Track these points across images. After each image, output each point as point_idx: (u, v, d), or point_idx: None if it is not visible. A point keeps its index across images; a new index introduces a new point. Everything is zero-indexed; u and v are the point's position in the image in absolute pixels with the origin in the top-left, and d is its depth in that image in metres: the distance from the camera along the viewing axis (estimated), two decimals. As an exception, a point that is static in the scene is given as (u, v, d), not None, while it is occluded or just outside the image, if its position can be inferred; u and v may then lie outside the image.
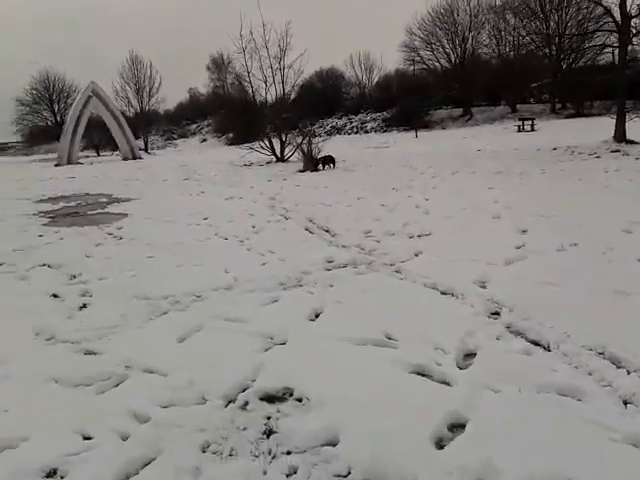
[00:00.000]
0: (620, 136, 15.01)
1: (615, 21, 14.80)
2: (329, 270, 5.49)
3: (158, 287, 5.18)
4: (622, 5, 14.45)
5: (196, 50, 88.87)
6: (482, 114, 44.19)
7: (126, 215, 10.13)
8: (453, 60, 47.71)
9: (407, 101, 42.29)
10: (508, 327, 3.60)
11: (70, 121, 30.65)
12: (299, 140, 20.18)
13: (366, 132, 47.47)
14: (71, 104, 44.02)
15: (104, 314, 4.56)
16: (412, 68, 49.06)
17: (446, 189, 9.99)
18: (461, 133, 34.49)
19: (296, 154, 20.16)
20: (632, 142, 14.59)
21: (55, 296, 5.26)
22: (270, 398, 3.04)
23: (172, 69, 70.18)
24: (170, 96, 52.59)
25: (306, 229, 7.61)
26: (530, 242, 5.59)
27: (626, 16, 14.46)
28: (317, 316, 4.22)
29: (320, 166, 16.35)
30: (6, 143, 79.83)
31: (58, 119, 46.45)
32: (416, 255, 5.67)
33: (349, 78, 57.84)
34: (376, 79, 57.33)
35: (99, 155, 41.80)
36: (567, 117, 37.34)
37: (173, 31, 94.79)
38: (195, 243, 7.29)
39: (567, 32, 37.43)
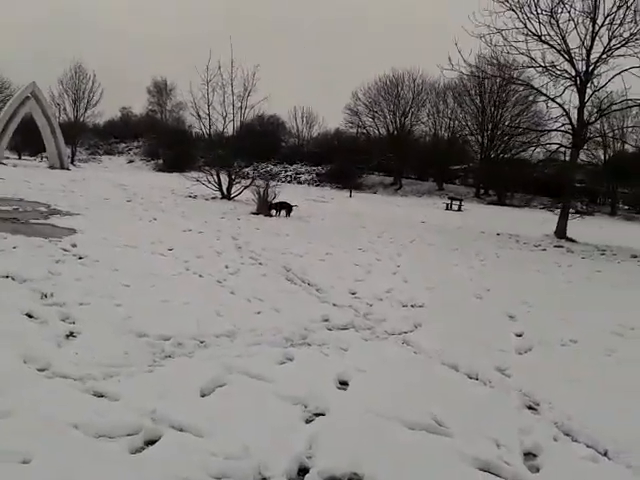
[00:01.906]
0: (561, 232, 16.01)
1: (572, 123, 15.99)
2: (330, 330, 5.24)
3: (153, 324, 4.71)
4: (580, 110, 15.73)
5: (134, 69, 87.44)
6: (411, 186, 46.12)
7: (75, 231, 9.37)
8: (391, 130, 49.79)
9: (343, 161, 43.38)
10: (556, 426, 3.51)
11: (2, 118, 28.62)
12: (248, 180, 20.08)
13: (299, 183, 47.96)
14: (1, 100, 41.40)
15: (101, 348, 4.04)
16: (352, 130, 50.75)
17: (412, 258, 10.08)
18: (393, 201, 35.62)
19: (243, 194, 19.92)
20: (572, 240, 15.56)
21: (30, 316, 4.64)
22: (337, 483, 2.73)
23: (107, 84, 67.77)
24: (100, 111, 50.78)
25: (287, 279, 7.33)
26: (527, 332, 5.62)
27: (583, 122, 15.74)
28: (343, 383, 3.96)
29: (273, 211, 16.15)
30: None
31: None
32: (416, 327, 5.54)
33: (289, 128, 58.86)
34: (315, 134, 58.75)
35: (20, 158, 39.24)
36: (489, 203, 39.68)
37: (117, 46, 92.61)
38: (169, 276, 6.80)
39: (501, 124, 40.33)
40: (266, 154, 51.61)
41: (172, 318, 4.98)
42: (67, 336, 4.30)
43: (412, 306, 6.38)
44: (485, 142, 44.46)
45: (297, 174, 50.65)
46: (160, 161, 50.63)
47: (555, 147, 17.31)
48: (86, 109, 44.97)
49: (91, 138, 56.58)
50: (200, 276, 7.04)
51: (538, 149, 20.06)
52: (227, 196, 20.51)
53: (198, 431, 3.03)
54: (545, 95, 16.14)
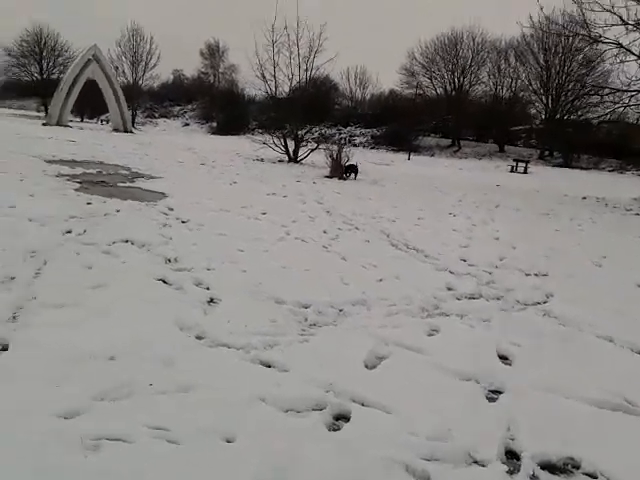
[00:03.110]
0: (652, 196, 15.15)
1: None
2: (459, 300, 5.01)
3: (284, 290, 4.59)
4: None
5: (187, 32, 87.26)
6: (470, 148, 44.64)
7: (165, 194, 9.36)
8: (449, 91, 48.17)
9: (400, 122, 42.47)
10: None
11: (66, 81, 29.07)
12: (312, 143, 19.94)
13: (354, 146, 46.91)
14: (61, 64, 42.15)
15: (248, 316, 3.94)
16: (408, 91, 49.35)
17: (506, 223, 9.63)
18: (454, 163, 34.66)
19: (309, 157, 19.76)
20: (665, 204, 14.71)
21: (164, 282, 4.60)
22: (551, 468, 2.52)
23: (162, 47, 67.88)
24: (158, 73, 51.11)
25: (392, 245, 7.10)
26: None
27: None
28: (503, 358, 3.74)
29: (352, 175, 15.94)
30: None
31: (44, 77, 44.21)
32: (547, 297, 5.25)
33: (342, 90, 57.78)
34: (369, 96, 57.57)
35: (82, 121, 40.05)
36: (555, 166, 38.08)
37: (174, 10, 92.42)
38: (274, 241, 6.67)
39: (568, 84, 38.41)
40: (319, 116, 51.03)
41: (299, 285, 4.85)
42: (208, 302, 4.23)
43: (536, 275, 6.06)
44: (550, 102, 42.46)
45: (351, 137, 49.80)
46: (214, 124, 50.77)
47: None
48: (144, 71, 45.21)
49: (146, 101, 57.13)
50: (303, 241, 6.89)
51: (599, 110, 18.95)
52: (294, 159, 20.32)
53: (383, 407, 2.88)
54: (635, 54, 15.04)
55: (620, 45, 15.43)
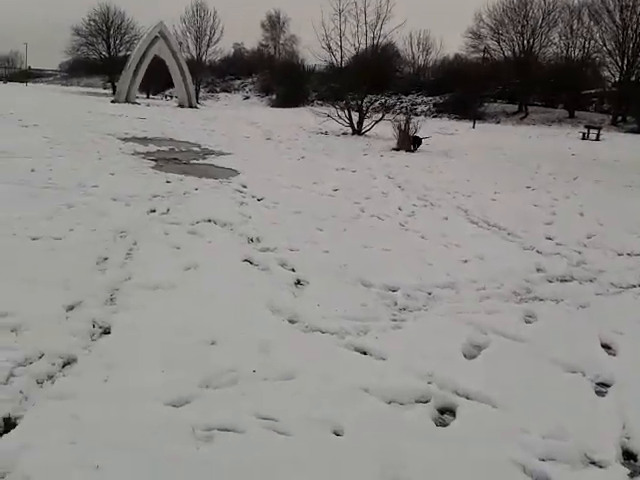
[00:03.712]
0: None
1: None
2: (551, 282, 4.79)
3: (369, 272, 4.52)
4: None
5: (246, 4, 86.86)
6: (538, 114, 42.67)
7: (236, 172, 9.41)
8: (518, 54, 46.01)
9: (464, 89, 41.04)
10: None
11: (133, 59, 29.71)
12: (379, 115, 19.65)
13: (416, 115, 45.93)
14: (127, 41, 43.06)
15: (337, 299, 3.89)
16: (474, 55, 47.50)
17: (590, 197, 9.14)
18: (521, 131, 33.27)
19: (373, 129, 19.47)
20: None
21: (249, 262, 4.62)
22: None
23: (224, 21, 67.97)
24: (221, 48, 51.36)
25: (472, 222, 6.88)
26: None
27: None
28: (606, 347, 3.54)
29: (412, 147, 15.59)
30: (43, 70, 79.25)
31: (112, 54, 45.24)
32: (645, 278, 4.95)
33: (404, 57, 56.23)
34: (431, 63, 55.83)
35: (148, 97, 40.96)
36: (627, 132, 35.93)
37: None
38: (350, 219, 6.60)
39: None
40: (381, 85, 49.93)
41: (383, 266, 4.77)
42: (296, 284, 4.21)
43: (628, 254, 5.72)
44: (625, 64, 39.90)
45: (413, 105, 48.62)
46: (274, 96, 50.69)
47: None
48: (208, 46, 45.54)
49: (208, 76, 57.64)
50: (379, 219, 6.78)
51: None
52: (358, 131, 20.06)
53: (489, 401, 2.76)
54: None
55: None
